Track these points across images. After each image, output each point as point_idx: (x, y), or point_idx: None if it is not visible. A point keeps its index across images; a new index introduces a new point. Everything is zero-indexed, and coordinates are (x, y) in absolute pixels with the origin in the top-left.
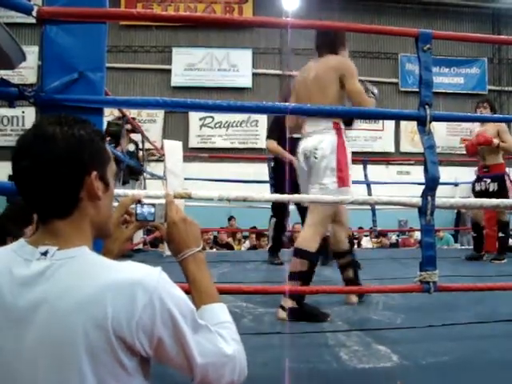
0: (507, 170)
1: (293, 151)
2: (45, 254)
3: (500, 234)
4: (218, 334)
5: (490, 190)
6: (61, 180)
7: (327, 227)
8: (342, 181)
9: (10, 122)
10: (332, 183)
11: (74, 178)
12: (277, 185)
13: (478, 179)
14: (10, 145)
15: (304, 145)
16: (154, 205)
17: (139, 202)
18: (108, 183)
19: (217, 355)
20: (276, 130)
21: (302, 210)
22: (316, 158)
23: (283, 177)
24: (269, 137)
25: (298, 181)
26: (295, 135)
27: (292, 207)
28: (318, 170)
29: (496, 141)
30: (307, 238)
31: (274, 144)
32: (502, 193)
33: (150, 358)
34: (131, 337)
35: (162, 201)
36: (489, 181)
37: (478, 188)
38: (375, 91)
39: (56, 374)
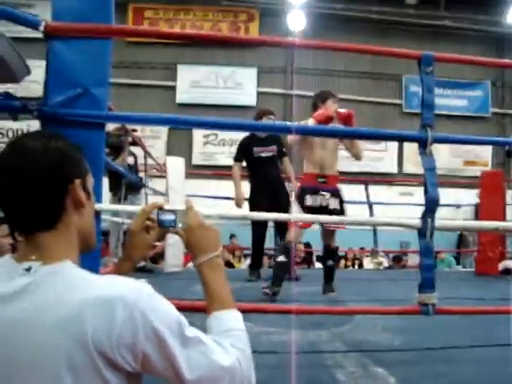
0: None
1: (260, 170)
2: (28, 269)
3: (329, 262)
4: (216, 344)
5: (331, 207)
6: (44, 191)
7: None
8: None
9: (14, 134)
10: None
11: (57, 187)
12: (251, 204)
13: (312, 191)
14: None
15: None
16: (174, 211)
17: (161, 208)
18: (89, 193)
19: (210, 368)
20: (242, 152)
21: (280, 227)
22: None
23: (254, 197)
24: (235, 159)
25: None
26: (263, 154)
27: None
28: None
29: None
30: None
31: (236, 168)
32: (342, 213)
33: (139, 372)
34: (112, 352)
35: (183, 207)
36: (328, 195)
37: (310, 202)
38: None
39: None
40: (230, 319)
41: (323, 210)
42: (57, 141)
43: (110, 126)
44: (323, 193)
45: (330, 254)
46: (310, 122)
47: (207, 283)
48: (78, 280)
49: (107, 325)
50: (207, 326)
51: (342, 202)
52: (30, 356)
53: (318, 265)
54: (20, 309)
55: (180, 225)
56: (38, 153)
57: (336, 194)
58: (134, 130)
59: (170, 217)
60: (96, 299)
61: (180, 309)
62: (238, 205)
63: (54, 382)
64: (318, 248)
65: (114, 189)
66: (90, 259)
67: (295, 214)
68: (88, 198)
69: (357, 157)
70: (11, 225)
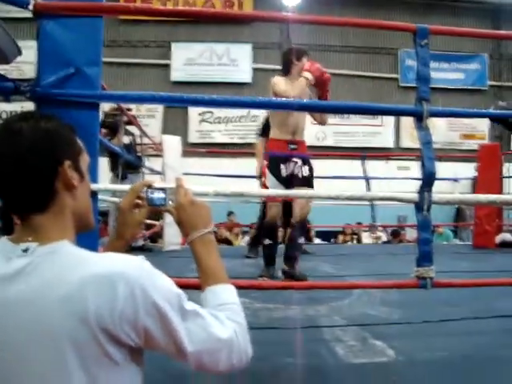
0: None
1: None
2: (25, 250)
3: (301, 240)
4: (213, 317)
5: (300, 175)
6: (33, 172)
7: None
8: None
9: (8, 116)
10: None
11: (45, 168)
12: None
13: (285, 159)
14: None
15: None
16: (164, 189)
17: (150, 186)
18: (83, 174)
19: (209, 341)
20: (266, 128)
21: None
22: None
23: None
24: (260, 135)
25: None
26: None
27: None
28: None
29: None
30: None
31: (259, 144)
32: (311, 181)
33: (142, 347)
34: (115, 329)
35: (173, 185)
36: (299, 162)
37: (284, 172)
38: None
39: (42, 370)
40: (224, 293)
41: (294, 177)
42: (47, 122)
43: (106, 107)
44: (295, 159)
45: (303, 228)
46: (308, 76)
47: (200, 259)
48: (76, 258)
49: (110, 302)
50: (202, 299)
51: (311, 168)
52: (26, 336)
53: (318, 240)
54: (20, 289)
55: (170, 203)
56: (26, 134)
57: (306, 160)
58: (129, 110)
59: (159, 195)
60: (97, 277)
61: (178, 286)
62: (261, 177)
63: (58, 361)
64: (316, 224)
65: (113, 169)
66: (89, 239)
67: (271, 184)
68: (81, 179)
69: (323, 123)
70: (6, 207)
